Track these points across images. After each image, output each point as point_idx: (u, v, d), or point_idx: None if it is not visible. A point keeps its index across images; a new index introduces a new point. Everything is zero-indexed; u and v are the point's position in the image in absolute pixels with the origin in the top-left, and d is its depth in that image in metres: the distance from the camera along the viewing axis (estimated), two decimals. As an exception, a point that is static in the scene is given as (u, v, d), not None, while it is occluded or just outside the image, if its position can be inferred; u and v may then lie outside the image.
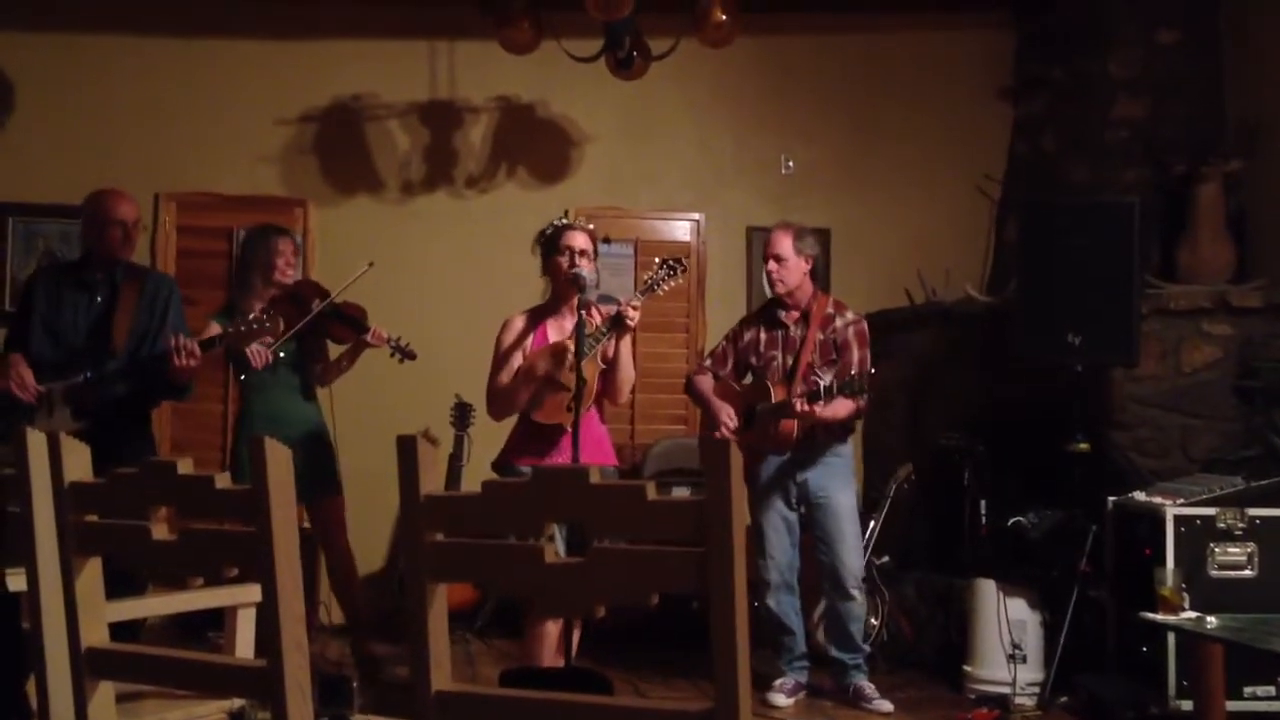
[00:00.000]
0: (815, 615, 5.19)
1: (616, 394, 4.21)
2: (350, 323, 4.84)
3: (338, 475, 4.94)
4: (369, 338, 4.82)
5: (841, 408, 4.59)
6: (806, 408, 4.49)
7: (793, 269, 4.72)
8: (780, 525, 4.76)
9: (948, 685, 4.91)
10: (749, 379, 4.88)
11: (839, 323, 4.75)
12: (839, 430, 4.74)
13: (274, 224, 5.15)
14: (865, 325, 4.81)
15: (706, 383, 4.88)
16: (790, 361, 4.73)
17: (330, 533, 4.95)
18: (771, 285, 4.76)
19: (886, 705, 4.56)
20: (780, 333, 4.80)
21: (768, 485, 4.76)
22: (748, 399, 4.76)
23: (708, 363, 4.99)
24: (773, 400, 4.65)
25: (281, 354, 4.80)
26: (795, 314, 4.79)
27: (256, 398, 4.86)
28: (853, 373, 4.53)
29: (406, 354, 4.87)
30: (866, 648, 4.76)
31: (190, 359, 4.25)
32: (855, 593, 4.67)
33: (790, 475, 4.74)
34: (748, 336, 4.88)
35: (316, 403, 4.99)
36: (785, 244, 4.72)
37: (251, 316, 4.38)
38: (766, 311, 4.94)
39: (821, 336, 4.73)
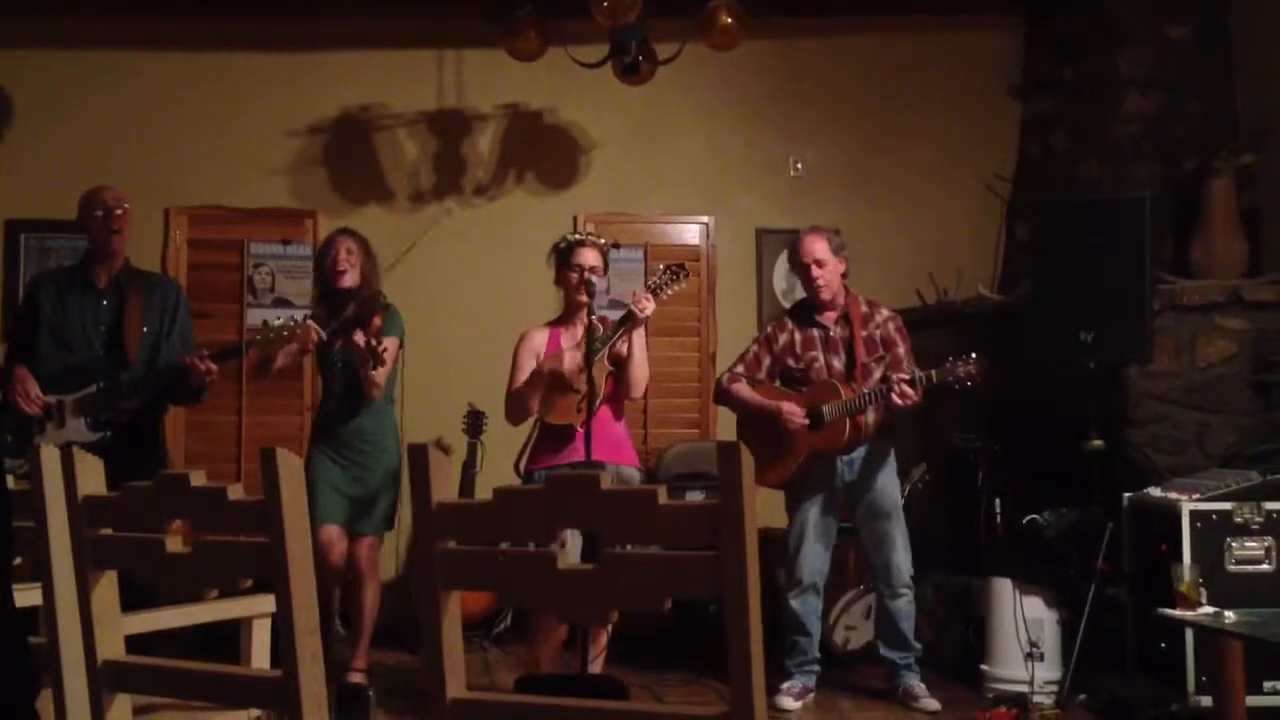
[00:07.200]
0: (831, 617, 5.19)
1: (630, 389, 4.34)
2: (356, 323, 4.42)
3: (372, 511, 4.53)
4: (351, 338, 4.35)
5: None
6: (914, 391, 4.43)
7: (832, 271, 4.71)
8: (820, 526, 4.73)
9: (966, 686, 4.88)
10: (778, 383, 4.82)
11: (877, 318, 4.79)
12: (885, 426, 4.73)
13: (345, 227, 4.84)
14: (900, 319, 4.85)
15: (745, 389, 4.81)
16: (838, 362, 4.71)
17: (352, 573, 4.57)
18: (816, 291, 4.71)
19: (934, 704, 4.57)
20: (819, 334, 4.77)
21: (814, 486, 4.72)
22: (809, 401, 4.66)
23: (739, 369, 4.85)
24: (843, 398, 4.58)
25: (339, 363, 4.55)
26: (833, 314, 4.77)
27: (324, 406, 4.68)
28: (950, 363, 4.49)
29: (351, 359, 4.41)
30: (918, 646, 4.75)
31: (207, 376, 4.25)
32: (905, 591, 4.69)
33: (839, 476, 4.72)
34: (783, 339, 4.81)
35: (379, 421, 4.60)
36: (823, 247, 4.70)
37: (279, 323, 4.30)
38: (798, 314, 4.89)
39: (865, 333, 4.73)
